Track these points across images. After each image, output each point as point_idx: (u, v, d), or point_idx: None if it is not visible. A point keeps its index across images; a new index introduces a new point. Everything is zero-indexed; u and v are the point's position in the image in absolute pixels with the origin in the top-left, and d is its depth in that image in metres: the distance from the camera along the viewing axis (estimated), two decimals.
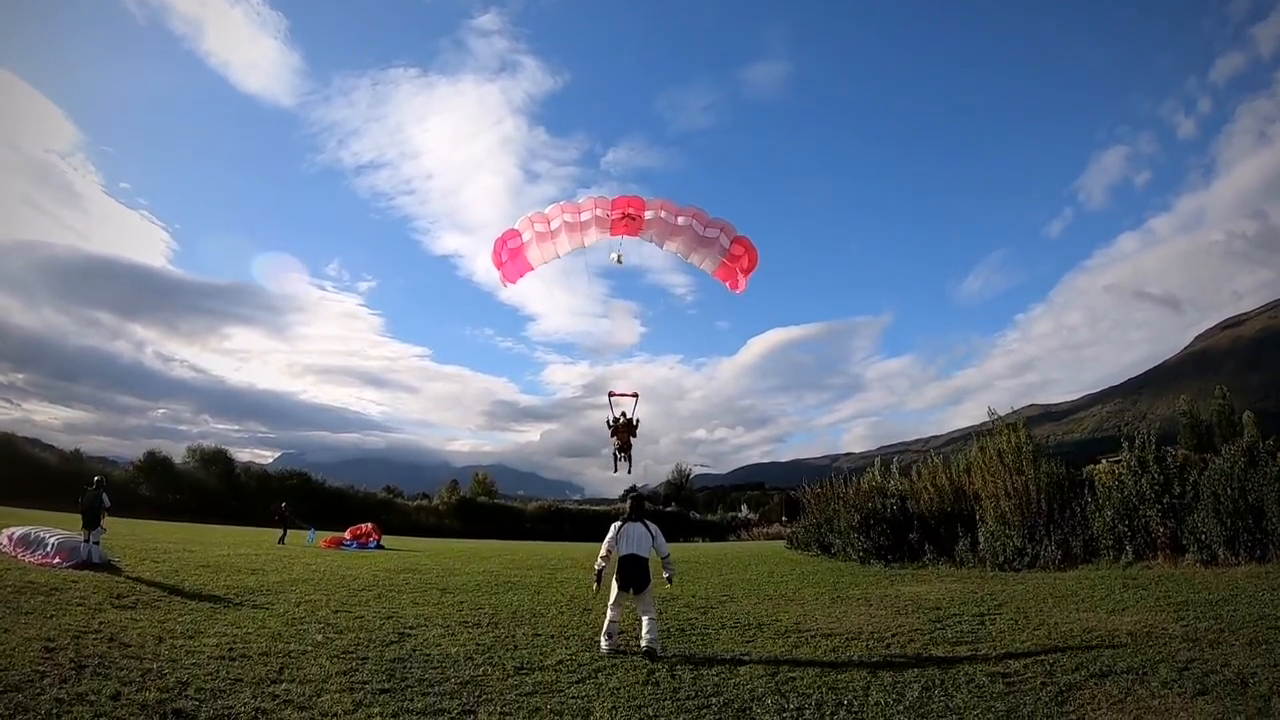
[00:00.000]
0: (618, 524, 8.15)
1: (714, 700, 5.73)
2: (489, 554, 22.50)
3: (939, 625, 8.78)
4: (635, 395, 10.18)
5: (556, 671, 6.60)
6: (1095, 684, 6.00)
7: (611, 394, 10.19)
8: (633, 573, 7.83)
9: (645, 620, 7.60)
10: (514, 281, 10.20)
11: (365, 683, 5.85)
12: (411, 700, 5.45)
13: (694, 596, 11.94)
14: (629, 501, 8.50)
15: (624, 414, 10.21)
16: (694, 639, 8.36)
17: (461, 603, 10.64)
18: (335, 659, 6.59)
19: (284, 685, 5.64)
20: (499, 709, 5.38)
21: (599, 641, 7.70)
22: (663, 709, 5.51)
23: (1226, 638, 7.10)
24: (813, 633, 8.52)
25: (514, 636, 8.19)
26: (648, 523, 8.20)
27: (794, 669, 6.73)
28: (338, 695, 5.44)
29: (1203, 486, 12.70)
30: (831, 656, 7.27)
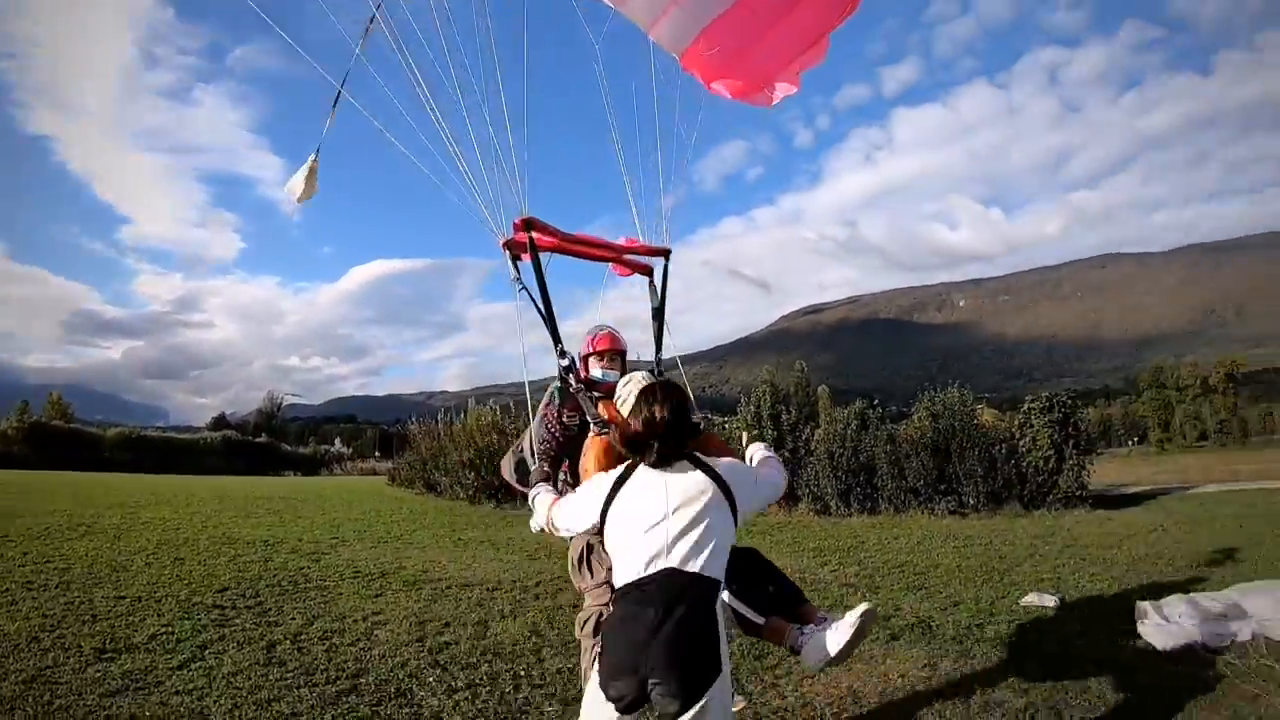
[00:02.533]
0: (612, 475, 2.90)
1: (360, 682, 4.50)
2: (59, 487, 18.12)
3: None
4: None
5: (150, 653, 4.83)
6: None
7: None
8: (670, 651, 2.51)
9: None
10: None
11: None
12: None
13: (300, 540, 10.24)
14: (653, 405, 2.82)
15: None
16: (313, 595, 6.85)
17: (24, 555, 7.92)
18: None
19: None
20: None
21: None
22: (301, 701, 4.14)
23: (882, 583, 7.63)
24: (447, 583, 7.58)
25: (91, 601, 6.07)
26: (716, 463, 2.88)
27: (443, 630, 5.74)
28: None
29: (817, 444, 14.46)
30: (480, 613, 6.37)
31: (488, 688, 4.55)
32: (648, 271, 4.54)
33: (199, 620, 5.74)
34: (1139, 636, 5.49)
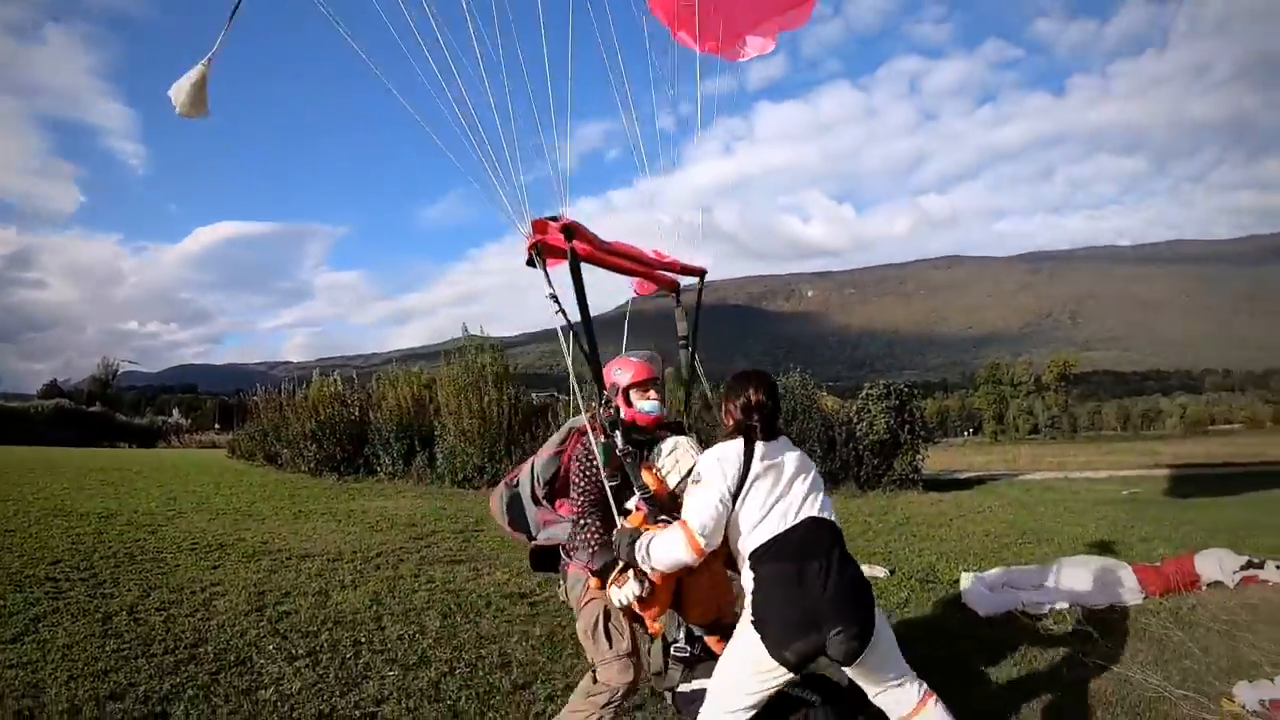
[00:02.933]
0: (725, 449, 2.88)
1: (200, 651, 4.62)
2: None
3: (423, 543, 8.61)
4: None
5: None
6: None
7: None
8: (844, 598, 2.63)
9: None
10: None
11: None
12: None
13: (136, 513, 9.92)
14: (749, 389, 2.98)
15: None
16: (150, 567, 6.80)
17: None
18: None
19: None
20: None
21: None
22: (138, 672, 4.24)
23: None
24: (287, 554, 7.63)
25: None
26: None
27: (283, 600, 5.88)
28: None
29: None
30: (320, 583, 6.51)
31: (328, 655, 4.73)
32: (675, 288, 4.18)
33: (31, 593, 5.66)
34: (963, 604, 6.05)
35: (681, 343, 4.22)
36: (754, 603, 2.69)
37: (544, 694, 4.23)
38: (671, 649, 3.18)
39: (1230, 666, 4.69)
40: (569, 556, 3.36)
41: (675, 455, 3.19)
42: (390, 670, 4.52)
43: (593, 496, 3.17)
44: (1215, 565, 6.82)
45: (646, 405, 3.32)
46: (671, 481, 3.12)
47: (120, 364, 72.15)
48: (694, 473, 2.89)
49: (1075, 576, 6.49)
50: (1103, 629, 5.44)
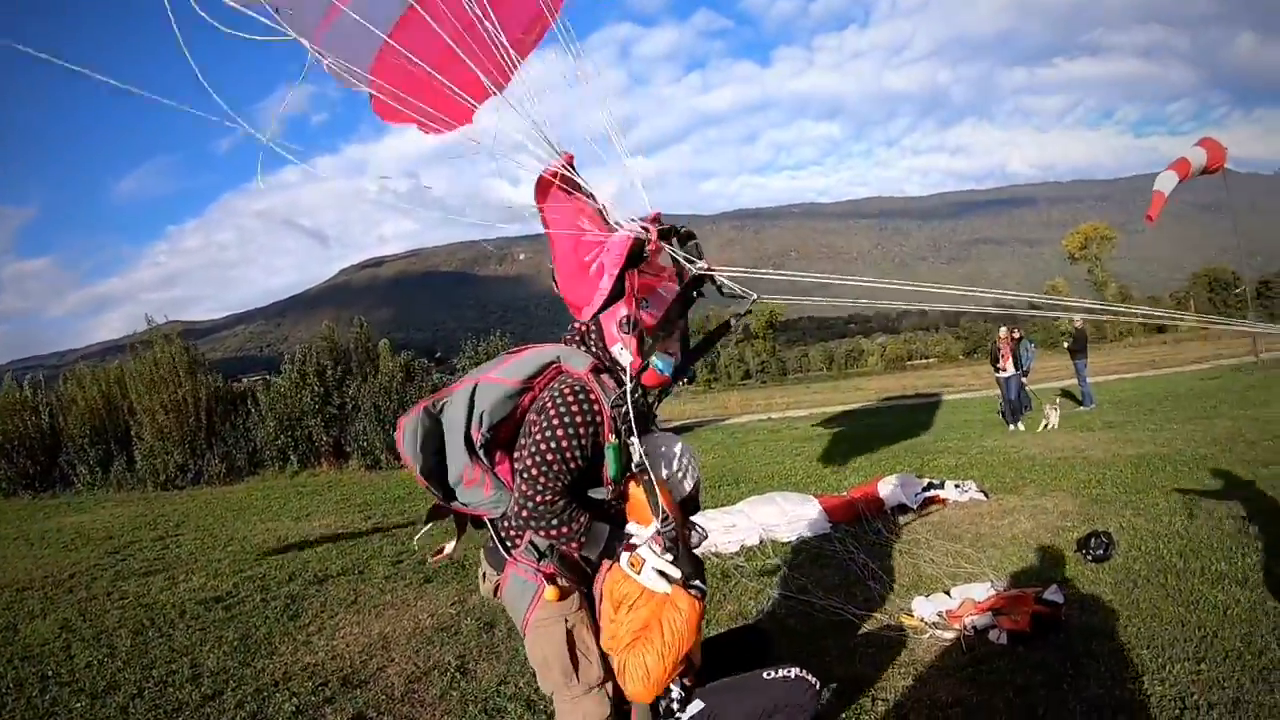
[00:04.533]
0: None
1: None
2: None
3: (119, 556, 8.55)
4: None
5: None
6: (317, 590, 6.45)
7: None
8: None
9: None
10: None
11: None
12: None
13: None
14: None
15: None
16: None
17: None
18: None
19: None
20: None
21: None
22: None
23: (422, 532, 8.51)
24: None
25: None
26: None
27: None
28: None
29: (363, 399, 15.14)
30: (7, 616, 6.38)
31: (13, 695, 4.67)
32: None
33: None
34: None
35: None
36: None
37: (233, 701, 4.26)
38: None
39: (911, 584, 5.12)
40: (505, 547, 2.46)
41: (684, 461, 2.53)
42: (78, 702, 4.43)
43: (557, 482, 2.25)
44: (898, 489, 7.30)
45: (661, 363, 2.40)
46: (682, 489, 2.55)
47: None
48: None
49: (763, 514, 6.70)
50: (790, 562, 5.86)
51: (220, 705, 4.23)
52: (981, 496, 7.57)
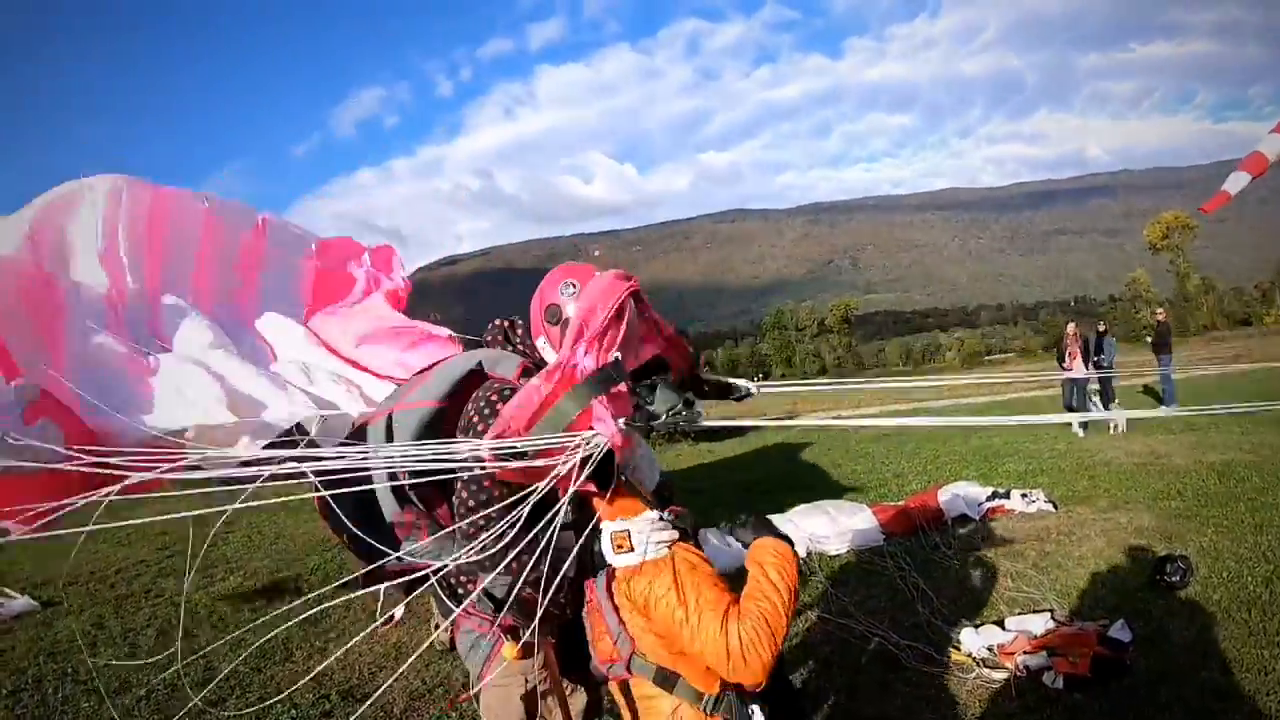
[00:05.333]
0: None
1: None
2: None
3: (167, 553, 8.50)
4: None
5: None
6: (345, 595, 5.97)
7: None
8: None
9: None
10: None
11: None
12: None
13: None
14: None
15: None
16: None
17: None
18: None
19: None
20: None
21: None
22: None
23: None
24: (24, 584, 7.35)
25: None
26: None
27: None
28: None
29: None
30: (47, 612, 6.55)
31: (30, 691, 4.77)
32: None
33: None
34: None
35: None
36: None
37: (235, 708, 4.21)
38: None
39: (964, 609, 4.69)
40: (454, 597, 1.98)
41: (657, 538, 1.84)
42: (86, 701, 4.53)
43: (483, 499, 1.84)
44: (958, 499, 6.76)
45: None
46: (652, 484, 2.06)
47: None
48: None
49: (812, 524, 6.23)
50: (835, 579, 5.47)
51: (219, 713, 4.12)
52: (1050, 507, 7.02)
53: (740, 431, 16.45)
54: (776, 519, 6.26)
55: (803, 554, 5.78)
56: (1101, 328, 14.04)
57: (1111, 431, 12.07)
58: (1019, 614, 4.40)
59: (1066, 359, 13.30)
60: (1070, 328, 13.77)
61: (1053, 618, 4.22)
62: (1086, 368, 12.83)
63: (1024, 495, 7.11)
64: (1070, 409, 13.04)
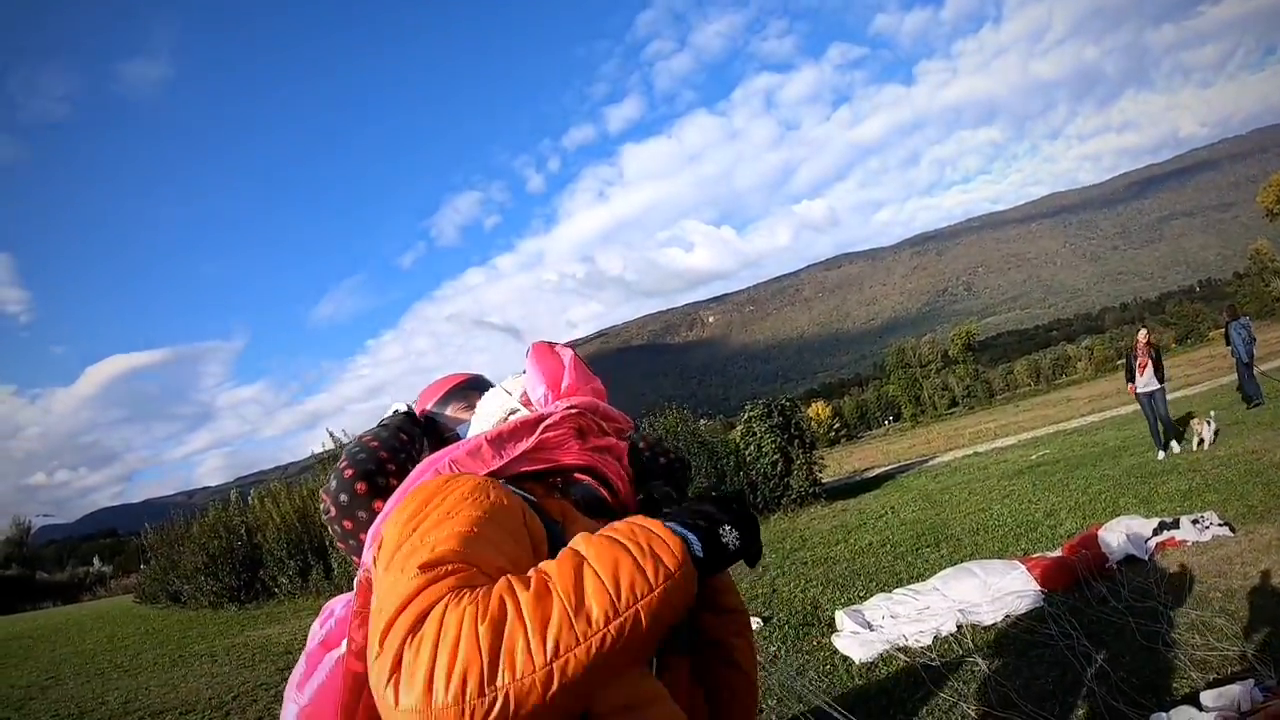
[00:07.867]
0: None
1: None
2: None
3: (288, 673, 8.52)
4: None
5: None
6: None
7: None
8: None
9: None
10: None
11: None
12: None
13: (12, 688, 9.71)
14: None
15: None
16: None
17: None
18: None
19: None
20: None
21: None
22: None
23: None
24: (143, 711, 7.40)
25: None
26: None
27: None
28: None
29: None
30: None
31: None
32: None
33: None
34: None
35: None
36: None
37: None
38: None
39: (1149, 678, 3.75)
40: None
41: None
42: None
43: None
44: (1123, 538, 5.84)
45: None
46: None
47: (33, 520, 69.60)
48: None
49: (960, 590, 5.53)
50: (992, 655, 4.61)
51: None
52: (1226, 531, 5.88)
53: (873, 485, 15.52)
54: (918, 589, 5.78)
55: (952, 628, 5.05)
56: (1227, 315, 12.63)
57: (1196, 447, 10.63)
58: (1214, 679, 3.44)
59: (1137, 372, 11.67)
60: (1141, 335, 12.03)
61: (1258, 684, 3.23)
62: (1159, 380, 11.28)
63: (1194, 521, 6.00)
64: (1156, 431, 11.35)
